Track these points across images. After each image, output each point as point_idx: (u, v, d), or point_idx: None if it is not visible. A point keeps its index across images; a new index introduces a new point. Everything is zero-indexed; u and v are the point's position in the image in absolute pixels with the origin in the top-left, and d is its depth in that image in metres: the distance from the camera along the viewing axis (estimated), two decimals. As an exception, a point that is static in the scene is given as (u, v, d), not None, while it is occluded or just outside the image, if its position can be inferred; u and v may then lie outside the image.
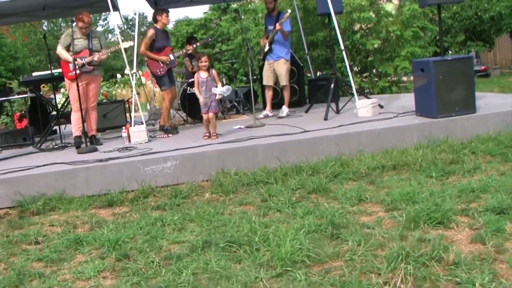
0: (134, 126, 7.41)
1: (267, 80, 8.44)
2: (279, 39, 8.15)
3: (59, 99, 11.85)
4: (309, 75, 11.15)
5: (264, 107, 8.84)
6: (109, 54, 7.24)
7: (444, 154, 5.57)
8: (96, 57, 7.08)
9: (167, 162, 5.74)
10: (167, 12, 7.93)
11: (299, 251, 3.36)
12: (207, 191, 5.32)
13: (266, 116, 8.47)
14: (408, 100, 7.72)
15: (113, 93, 14.56)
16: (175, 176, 5.72)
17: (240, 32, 14.52)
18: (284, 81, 8.29)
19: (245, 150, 5.99)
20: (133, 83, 7.91)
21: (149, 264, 3.53)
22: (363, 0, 12.34)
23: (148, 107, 10.72)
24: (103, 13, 31.35)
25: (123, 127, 7.56)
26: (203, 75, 6.82)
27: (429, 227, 3.67)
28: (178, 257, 3.58)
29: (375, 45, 12.40)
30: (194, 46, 8.79)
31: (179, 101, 8.92)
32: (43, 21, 27.52)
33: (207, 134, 6.84)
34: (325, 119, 7.31)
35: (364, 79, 13.01)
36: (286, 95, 8.43)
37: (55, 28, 30.79)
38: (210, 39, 10.23)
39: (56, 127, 8.62)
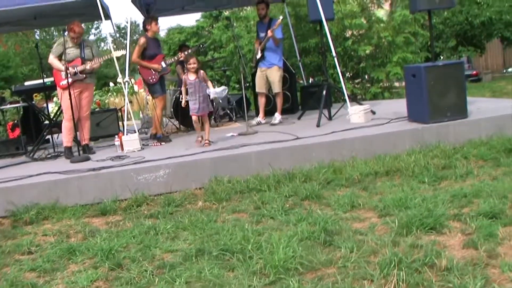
0: (126, 134, 7.41)
1: (260, 87, 8.45)
2: (271, 46, 8.17)
3: (52, 108, 11.83)
4: (301, 82, 11.18)
5: (257, 114, 8.84)
6: (102, 62, 7.24)
7: (437, 160, 5.59)
8: (88, 65, 7.08)
9: (160, 171, 5.74)
10: (156, 19, 7.96)
11: (292, 258, 3.36)
12: (200, 199, 5.31)
13: (259, 123, 8.49)
14: (400, 105, 7.75)
15: (106, 101, 14.56)
16: (168, 185, 5.71)
17: (232, 39, 14.55)
18: (277, 88, 8.31)
19: (238, 157, 5.99)
20: (126, 91, 7.91)
21: (142, 273, 3.51)
22: (354, 6, 12.44)
23: (141, 115, 10.71)
24: (95, 22, 31.37)
25: (116, 136, 7.55)
26: (191, 77, 6.82)
27: (421, 233, 3.68)
28: (171, 266, 3.58)
29: (367, 51, 12.49)
30: (186, 53, 8.80)
31: (172, 109, 8.92)
32: (35, 30, 27.49)
33: (199, 139, 6.83)
34: (318, 125, 7.32)
35: (356, 85, 13.07)
36: (279, 102, 8.44)
37: (48, 37, 30.84)
38: (201, 46, 10.26)
39: (49, 136, 8.60)
